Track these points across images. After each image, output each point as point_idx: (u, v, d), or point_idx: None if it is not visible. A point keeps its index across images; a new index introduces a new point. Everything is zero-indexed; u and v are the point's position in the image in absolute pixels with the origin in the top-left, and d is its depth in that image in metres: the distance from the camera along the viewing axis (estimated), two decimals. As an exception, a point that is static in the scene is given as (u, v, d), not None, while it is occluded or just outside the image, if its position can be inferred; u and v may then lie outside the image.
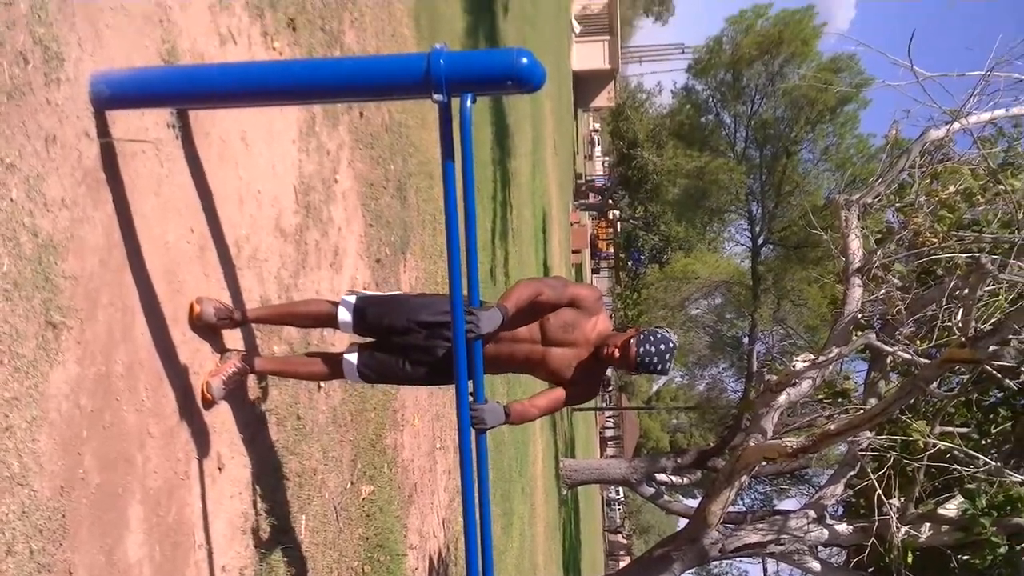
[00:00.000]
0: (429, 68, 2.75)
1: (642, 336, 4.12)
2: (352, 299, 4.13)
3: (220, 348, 3.97)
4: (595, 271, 54.70)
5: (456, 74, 2.77)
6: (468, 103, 2.93)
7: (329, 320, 4.14)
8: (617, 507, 69.98)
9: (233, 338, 4.11)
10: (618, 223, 47.15)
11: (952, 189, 6.75)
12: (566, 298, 4.12)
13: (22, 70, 2.62)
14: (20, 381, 2.60)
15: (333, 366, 4.21)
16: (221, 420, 3.95)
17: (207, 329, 3.85)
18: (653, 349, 4.10)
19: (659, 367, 4.14)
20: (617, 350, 4.09)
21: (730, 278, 36.01)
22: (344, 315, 4.08)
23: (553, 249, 23.60)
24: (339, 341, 5.36)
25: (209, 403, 3.81)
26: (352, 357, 4.15)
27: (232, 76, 3.03)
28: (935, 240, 6.47)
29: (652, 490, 17.38)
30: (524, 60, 2.79)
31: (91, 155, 2.97)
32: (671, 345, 4.15)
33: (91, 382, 2.96)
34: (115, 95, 2.95)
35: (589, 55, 40.95)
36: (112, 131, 3.07)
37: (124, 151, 3.18)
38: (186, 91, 3.08)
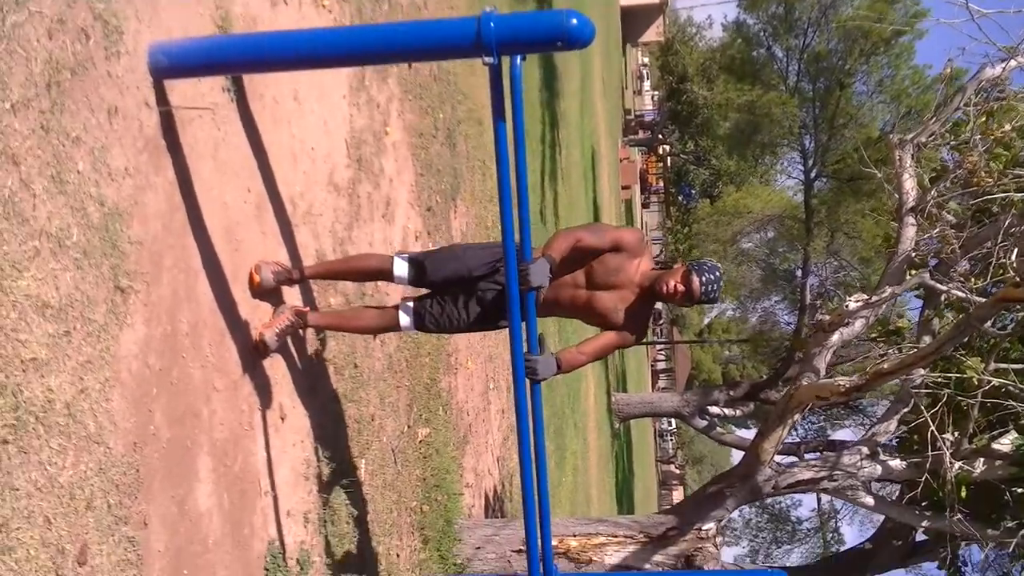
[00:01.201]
0: (480, 32, 2.78)
1: (697, 268, 4.18)
2: (406, 255, 4.22)
3: (279, 302, 4.08)
4: (645, 205, 54.42)
5: (506, 37, 2.80)
6: (518, 63, 2.97)
7: (384, 274, 4.23)
8: (670, 438, 70.32)
9: (292, 294, 4.22)
10: (668, 158, 46.71)
11: (1008, 127, 6.62)
12: (608, 242, 4.16)
13: (84, 46, 2.71)
14: (92, 345, 2.72)
15: (387, 319, 4.30)
16: (282, 372, 4.08)
17: (268, 292, 3.97)
18: (712, 277, 4.18)
19: (718, 294, 4.23)
20: (679, 284, 4.14)
21: (783, 212, 35.53)
22: (400, 268, 4.16)
23: (602, 186, 23.52)
24: (393, 292, 5.46)
25: (263, 354, 3.93)
26: (407, 308, 4.25)
27: (288, 44, 3.08)
28: (990, 179, 6.38)
29: (705, 422, 17.48)
30: (574, 21, 2.80)
31: (151, 124, 3.06)
32: (720, 273, 4.24)
33: (158, 342, 3.09)
34: (173, 65, 3.03)
35: (638, -12, 40.32)
36: (170, 99, 3.16)
37: (182, 118, 3.27)
38: (243, 59, 3.14)
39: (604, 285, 4.20)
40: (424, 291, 4.34)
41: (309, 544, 4.27)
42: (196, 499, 3.30)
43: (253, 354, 3.81)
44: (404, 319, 4.25)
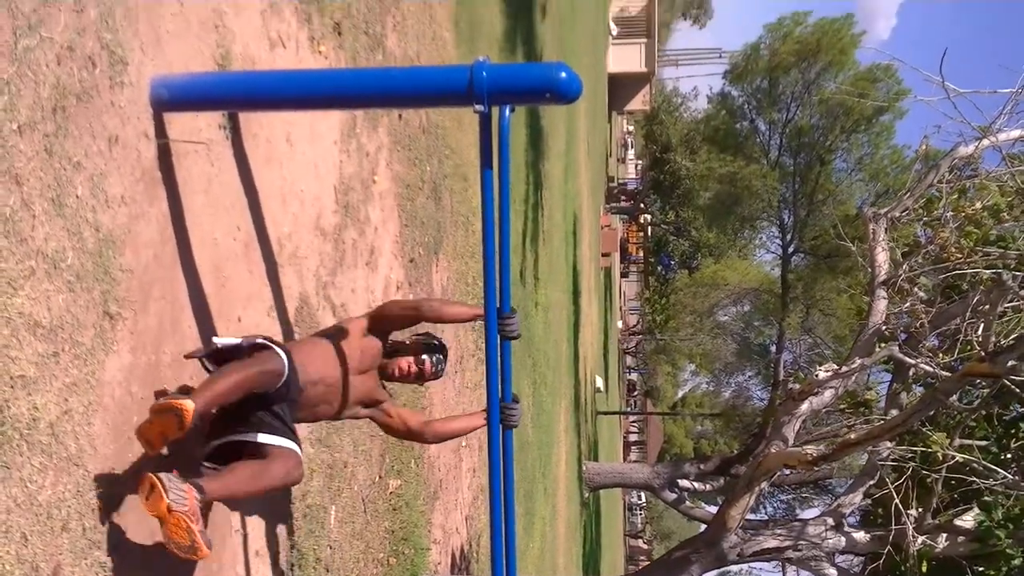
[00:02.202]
0: (472, 80, 2.89)
1: (426, 347, 3.99)
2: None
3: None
4: (624, 275, 54.70)
5: (497, 86, 2.91)
6: (507, 114, 3.08)
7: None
8: (639, 512, 69.87)
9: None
10: (649, 227, 47.13)
11: (979, 205, 6.82)
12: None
13: (90, 74, 2.79)
14: (79, 368, 2.77)
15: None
16: (260, 410, 4.11)
17: None
18: (443, 356, 4.04)
19: (442, 374, 4.09)
20: (413, 366, 3.95)
21: (759, 286, 35.93)
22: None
23: (583, 252, 23.69)
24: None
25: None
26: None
27: (285, 83, 3.19)
28: (960, 255, 6.54)
29: (674, 496, 17.46)
30: (563, 74, 2.91)
31: (149, 155, 3.14)
32: (446, 350, 4.10)
33: (142, 370, 3.13)
34: (174, 98, 3.12)
35: (625, 57, 40.90)
36: (169, 132, 3.24)
37: (178, 151, 3.35)
38: (242, 96, 3.25)
39: (361, 369, 3.88)
40: None
41: (276, 585, 4.27)
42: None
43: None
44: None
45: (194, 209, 3.47)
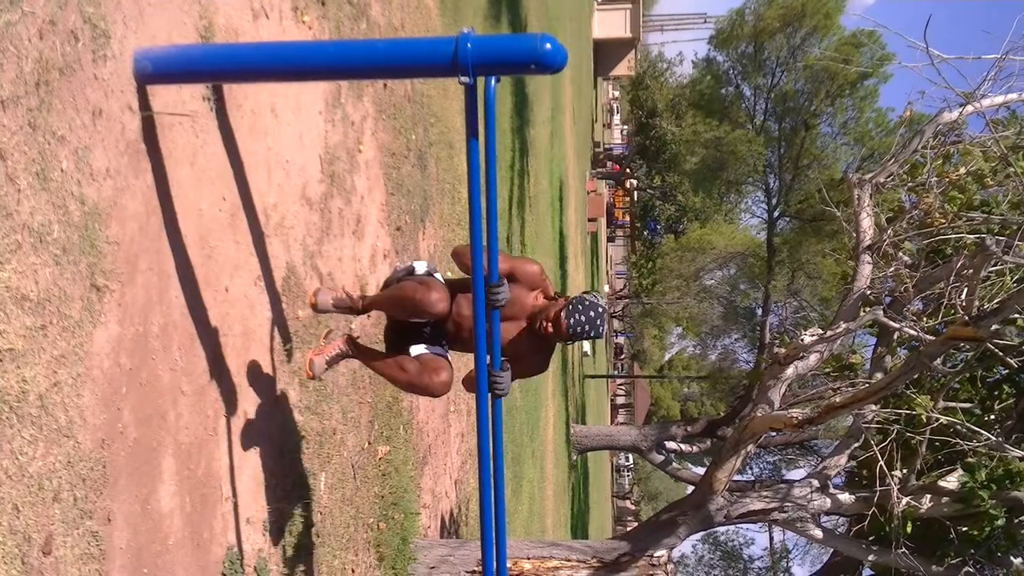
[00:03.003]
0: (457, 52, 2.89)
1: (571, 306, 4.16)
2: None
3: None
4: (610, 239, 54.78)
5: (482, 58, 2.91)
6: (493, 84, 3.08)
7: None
8: (626, 473, 70.43)
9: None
10: (635, 192, 47.13)
11: (963, 171, 6.85)
12: (504, 271, 4.09)
13: (73, 48, 2.78)
14: (67, 340, 2.78)
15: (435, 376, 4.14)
16: (248, 380, 4.13)
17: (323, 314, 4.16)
18: (583, 318, 4.14)
19: (591, 333, 4.18)
20: (550, 323, 4.16)
21: (745, 250, 35.97)
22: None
23: (569, 218, 23.70)
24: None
25: (311, 379, 4.17)
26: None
27: (268, 55, 3.18)
28: (944, 220, 6.58)
29: (661, 457, 17.60)
30: (548, 45, 2.91)
31: (133, 127, 3.14)
32: (600, 311, 4.20)
33: (130, 342, 3.15)
34: (157, 71, 3.11)
35: (610, 23, 40.74)
36: (152, 104, 3.24)
37: (163, 123, 3.34)
38: (225, 68, 3.24)
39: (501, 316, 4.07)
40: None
41: (267, 553, 4.31)
42: (159, 500, 3.35)
43: (222, 360, 3.86)
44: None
45: (179, 181, 3.47)
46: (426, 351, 4.15)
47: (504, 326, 4.15)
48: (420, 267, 4.25)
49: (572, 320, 4.13)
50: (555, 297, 4.31)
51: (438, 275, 4.27)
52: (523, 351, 4.28)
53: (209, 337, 3.76)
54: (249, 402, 4.15)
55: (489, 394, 3.74)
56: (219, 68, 3.26)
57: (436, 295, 3.95)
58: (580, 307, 4.17)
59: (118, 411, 3.06)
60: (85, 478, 2.87)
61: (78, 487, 2.83)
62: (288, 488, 4.56)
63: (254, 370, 4.20)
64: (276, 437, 4.44)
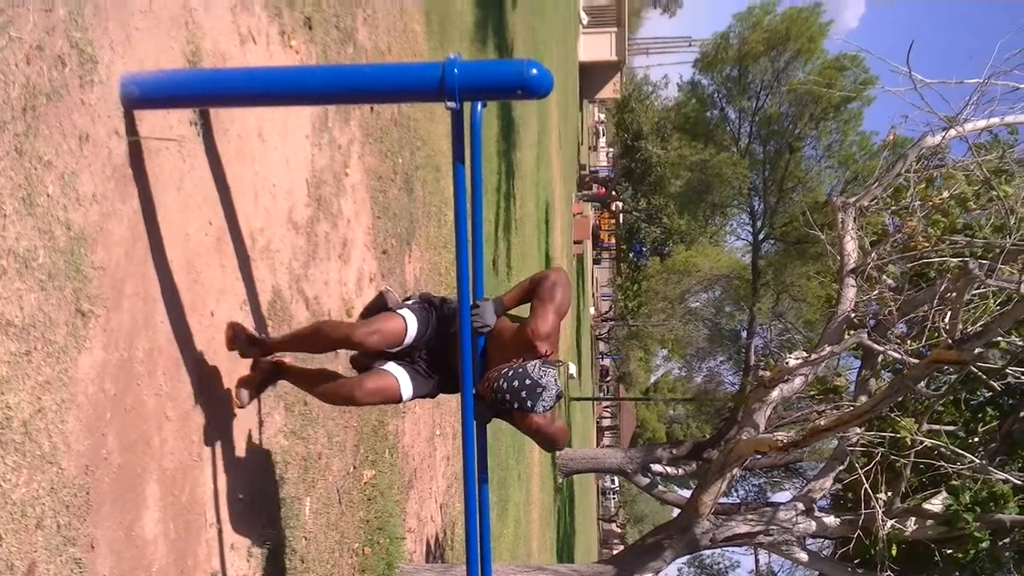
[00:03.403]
0: (444, 77, 2.91)
1: (509, 371, 3.63)
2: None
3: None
4: (596, 261, 54.86)
5: (469, 83, 2.93)
6: (479, 109, 3.10)
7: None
8: (612, 496, 70.24)
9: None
10: (621, 214, 47.26)
11: (946, 194, 6.91)
12: (542, 296, 3.82)
13: (60, 73, 2.79)
14: (52, 366, 2.77)
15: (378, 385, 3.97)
16: (233, 405, 4.12)
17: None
18: (504, 385, 3.59)
19: (510, 404, 3.62)
20: (489, 373, 3.71)
21: (730, 272, 36.13)
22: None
23: (555, 240, 23.73)
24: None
25: (236, 405, 4.00)
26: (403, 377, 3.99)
27: (256, 80, 3.19)
28: (928, 244, 6.63)
29: (647, 480, 17.53)
30: (534, 71, 2.93)
31: (120, 152, 3.14)
32: (536, 387, 3.58)
33: (115, 367, 3.13)
34: (144, 96, 3.12)
35: (596, 46, 40.92)
36: (139, 129, 3.24)
37: (149, 148, 3.35)
38: (212, 93, 3.25)
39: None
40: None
41: (251, 578, 4.29)
42: (143, 526, 3.32)
43: (207, 386, 3.85)
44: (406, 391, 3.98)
45: (166, 205, 3.47)
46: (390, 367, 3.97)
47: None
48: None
49: (495, 384, 3.62)
50: (545, 353, 3.75)
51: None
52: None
53: (195, 362, 3.75)
54: (234, 427, 4.14)
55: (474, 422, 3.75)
56: (206, 93, 3.27)
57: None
58: (518, 372, 3.60)
59: (102, 437, 3.05)
60: (69, 505, 2.85)
61: (61, 514, 2.81)
62: (273, 513, 4.54)
63: (240, 395, 4.18)
64: (261, 462, 4.42)
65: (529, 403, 3.57)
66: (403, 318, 3.92)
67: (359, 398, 3.89)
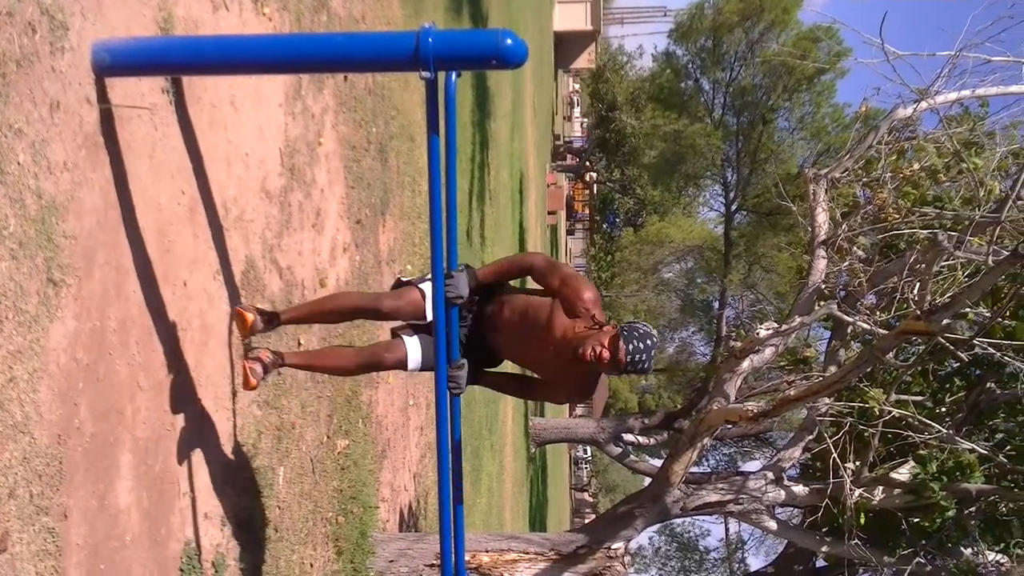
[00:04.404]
0: (418, 46, 2.89)
1: (626, 333, 3.75)
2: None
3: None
4: (570, 232, 54.83)
5: (443, 52, 2.92)
6: (453, 79, 3.09)
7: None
8: (584, 466, 70.62)
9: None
10: (594, 185, 47.26)
11: (916, 166, 6.96)
12: (556, 284, 3.96)
13: (30, 39, 2.76)
14: (23, 335, 2.76)
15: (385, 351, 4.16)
16: (206, 374, 4.11)
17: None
18: (642, 345, 3.72)
19: (647, 364, 3.76)
20: (605, 351, 3.73)
21: (703, 243, 36.29)
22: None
23: (529, 210, 23.71)
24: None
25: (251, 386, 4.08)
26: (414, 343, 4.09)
27: (228, 48, 3.17)
28: (898, 215, 6.69)
29: (619, 450, 17.64)
30: (508, 41, 2.93)
31: (91, 120, 3.11)
32: (655, 340, 3.79)
33: (87, 336, 3.12)
34: (116, 63, 3.08)
35: (571, 15, 40.76)
36: (111, 97, 3.21)
37: (121, 116, 3.32)
38: (184, 61, 3.22)
39: (529, 336, 4.02)
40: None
41: (225, 548, 4.30)
42: (116, 495, 3.32)
43: (180, 356, 3.84)
44: (413, 356, 4.09)
45: (138, 174, 3.45)
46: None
47: (535, 347, 4.03)
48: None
49: (631, 347, 3.71)
50: (598, 327, 3.88)
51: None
52: (555, 376, 4.12)
53: (167, 332, 3.74)
54: (207, 397, 4.13)
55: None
56: (178, 60, 3.24)
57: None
58: (636, 334, 3.75)
59: (75, 406, 3.04)
60: (41, 474, 2.85)
61: (34, 483, 2.81)
62: (246, 483, 4.55)
63: (212, 365, 4.18)
64: (234, 432, 4.42)
65: (652, 359, 3.81)
66: (421, 291, 4.02)
67: (385, 360, 4.09)
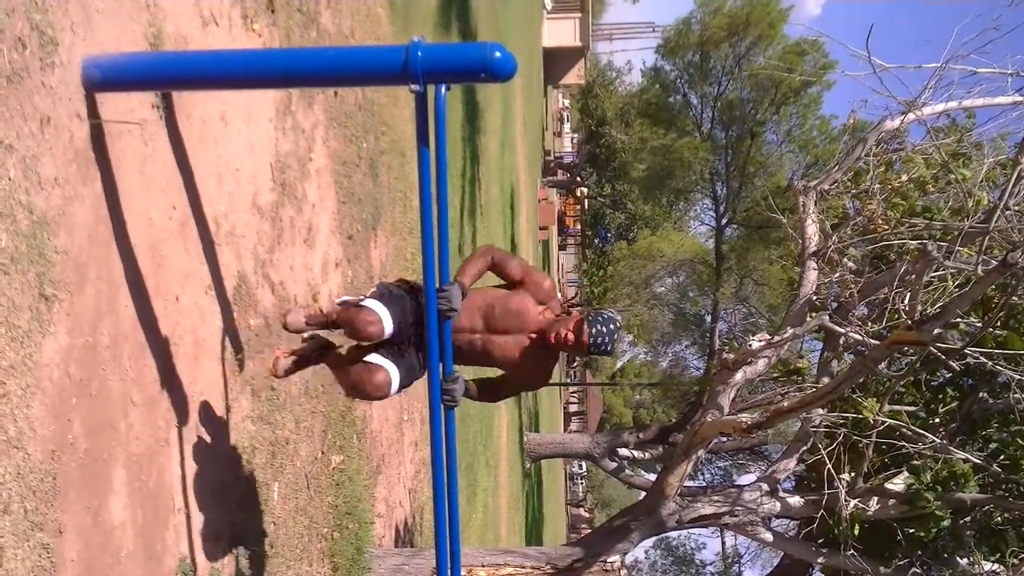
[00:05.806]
0: (407, 60, 2.90)
1: (590, 318, 4.19)
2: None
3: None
4: (562, 247, 54.88)
5: (432, 66, 2.92)
6: (443, 92, 3.10)
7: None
8: (580, 481, 70.50)
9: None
10: (585, 200, 47.33)
11: (905, 178, 7.00)
12: (519, 275, 4.20)
13: (20, 55, 2.76)
14: (16, 350, 2.75)
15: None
16: (199, 389, 4.11)
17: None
18: (604, 329, 4.17)
19: (609, 347, 4.20)
20: (570, 334, 4.13)
21: (694, 257, 36.34)
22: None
23: (520, 225, 23.74)
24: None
25: (276, 376, 4.28)
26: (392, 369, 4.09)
27: (218, 63, 3.17)
28: (887, 227, 6.71)
29: (614, 464, 17.63)
30: (497, 54, 2.93)
31: (82, 135, 3.11)
32: (617, 325, 4.25)
33: (80, 352, 3.11)
34: (106, 78, 3.09)
35: (560, 32, 40.92)
36: (101, 112, 3.21)
37: (111, 131, 3.32)
38: (174, 76, 3.22)
39: (503, 329, 4.18)
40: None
41: (220, 564, 4.28)
42: (110, 511, 3.31)
43: (173, 371, 3.83)
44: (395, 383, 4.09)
45: (129, 189, 3.45)
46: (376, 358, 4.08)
47: (506, 339, 4.17)
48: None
49: (594, 331, 4.15)
50: (566, 313, 4.31)
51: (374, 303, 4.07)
52: (526, 364, 4.25)
53: (160, 347, 3.73)
54: (201, 412, 4.12)
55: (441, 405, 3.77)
56: (168, 76, 3.25)
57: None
58: (600, 319, 4.20)
59: (68, 422, 3.03)
60: (35, 490, 2.84)
61: (28, 499, 2.80)
62: (241, 498, 4.53)
63: (205, 380, 4.17)
64: (228, 447, 4.41)
65: (615, 342, 4.29)
66: (372, 309, 3.97)
67: (371, 393, 4.04)
